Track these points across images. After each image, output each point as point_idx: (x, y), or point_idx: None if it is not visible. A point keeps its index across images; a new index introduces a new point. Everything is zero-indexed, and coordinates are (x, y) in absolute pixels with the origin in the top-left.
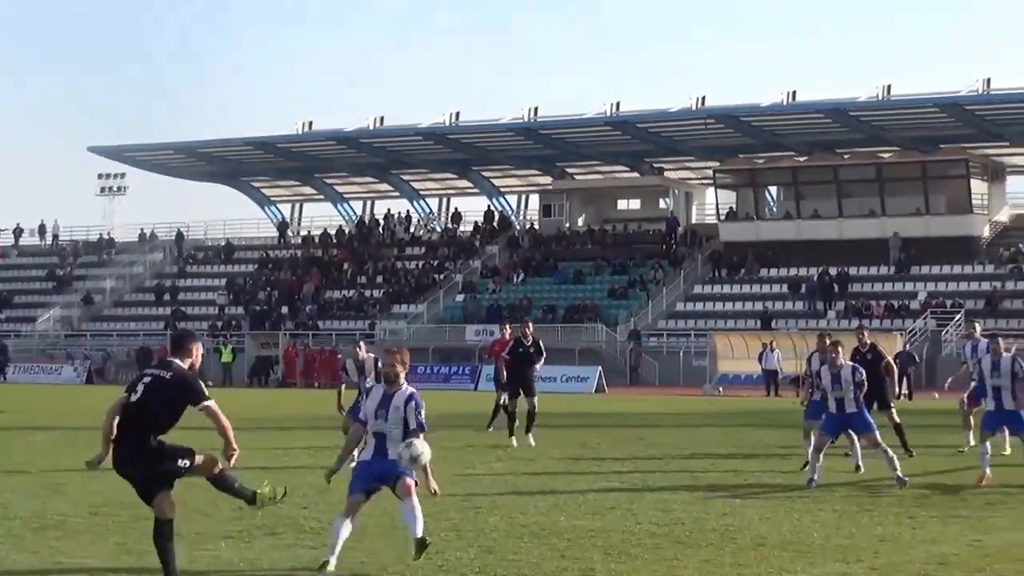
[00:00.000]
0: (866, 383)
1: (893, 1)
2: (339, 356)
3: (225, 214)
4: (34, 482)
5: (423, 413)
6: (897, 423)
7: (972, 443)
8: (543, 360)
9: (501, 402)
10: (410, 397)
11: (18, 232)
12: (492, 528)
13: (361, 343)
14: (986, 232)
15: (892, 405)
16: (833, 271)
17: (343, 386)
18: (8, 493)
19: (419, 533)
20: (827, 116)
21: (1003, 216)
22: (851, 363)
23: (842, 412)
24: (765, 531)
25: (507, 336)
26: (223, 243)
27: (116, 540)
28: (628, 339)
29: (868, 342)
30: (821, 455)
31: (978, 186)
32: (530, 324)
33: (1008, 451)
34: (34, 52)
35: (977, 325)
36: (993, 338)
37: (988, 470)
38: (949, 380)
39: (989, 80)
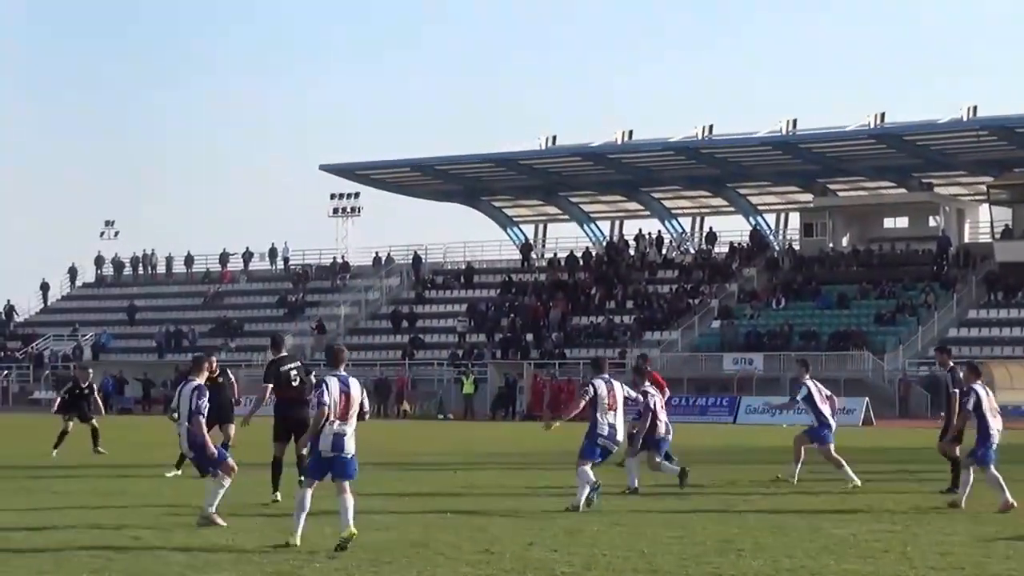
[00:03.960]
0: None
1: None
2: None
3: (465, 235)
4: (267, 524)
5: None
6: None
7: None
8: None
9: None
10: None
11: (248, 256)
12: (756, 573)
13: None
14: None
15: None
16: None
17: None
18: (240, 534)
19: None
20: None
21: None
22: None
23: None
24: None
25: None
26: (463, 266)
27: None
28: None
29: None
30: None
31: None
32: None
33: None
34: (261, 62)
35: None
36: None
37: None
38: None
39: None
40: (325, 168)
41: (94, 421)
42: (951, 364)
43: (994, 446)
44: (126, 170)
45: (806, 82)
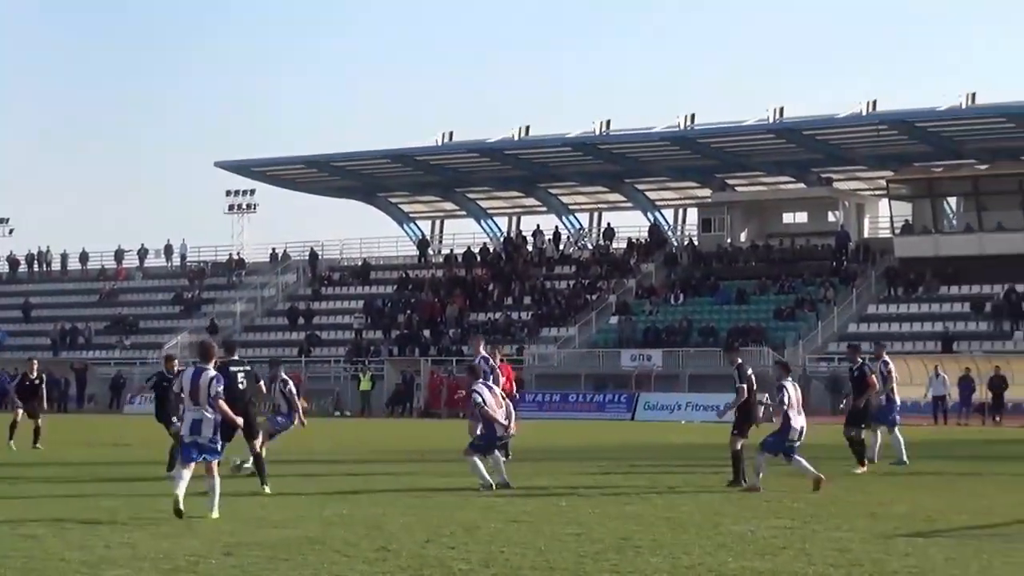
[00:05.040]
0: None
1: None
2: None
3: (361, 232)
4: (164, 521)
5: None
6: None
7: None
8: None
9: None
10: None
11: (143, 253)
12: (654, 570)
13: None
14: None
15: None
16: (1021, 288)
17: None
18: (137, 532)
19: None
20: (1011, 120)
21: None
22: None
23: None
24: (953, 574)
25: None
26: (360, 263)
27: None
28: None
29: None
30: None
31: None
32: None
33: None
34: (155, 60)
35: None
36: None
37: None
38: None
39: None
40: (220, 165)
41: (40, 419)
42: (739, 360)
43: (791, 438)
44: (19, 167)
45: (703, 77)
